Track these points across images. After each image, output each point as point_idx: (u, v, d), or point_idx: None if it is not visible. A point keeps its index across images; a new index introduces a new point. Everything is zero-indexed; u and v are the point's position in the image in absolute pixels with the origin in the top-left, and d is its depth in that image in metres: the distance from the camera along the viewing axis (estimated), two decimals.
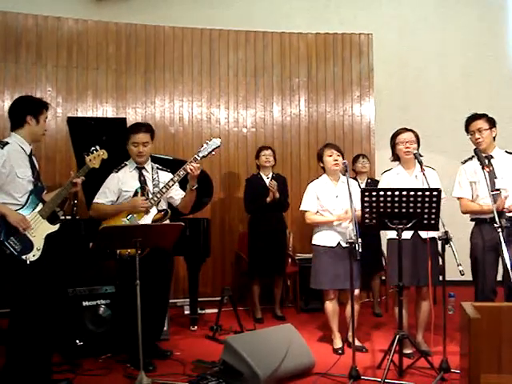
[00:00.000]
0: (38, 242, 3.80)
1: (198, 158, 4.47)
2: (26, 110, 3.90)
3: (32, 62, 6.68)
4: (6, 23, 6.58)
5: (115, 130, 5.65)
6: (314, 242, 4.96)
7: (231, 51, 7.37)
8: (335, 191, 4.90)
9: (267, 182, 6.11)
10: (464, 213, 4.73)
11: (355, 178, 6.31)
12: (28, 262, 3.71)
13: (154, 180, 4.60)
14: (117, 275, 4.61)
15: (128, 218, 4.45)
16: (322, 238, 4.88)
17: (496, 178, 4.43)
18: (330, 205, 4.86)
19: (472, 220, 4.72)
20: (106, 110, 6.95)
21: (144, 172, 4.62)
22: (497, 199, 4.30)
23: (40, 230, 3.83)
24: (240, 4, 7.95)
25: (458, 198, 4.71)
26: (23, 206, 3.79)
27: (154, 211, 4.51)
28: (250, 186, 6.27)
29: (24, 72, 6.64)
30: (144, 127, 4.64)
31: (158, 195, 4.49)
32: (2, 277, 3.74)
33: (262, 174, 6.24)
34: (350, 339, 4.37)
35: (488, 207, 4.40)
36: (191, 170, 4.39)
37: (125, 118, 6.22)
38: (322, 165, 5.04)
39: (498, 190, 4.36)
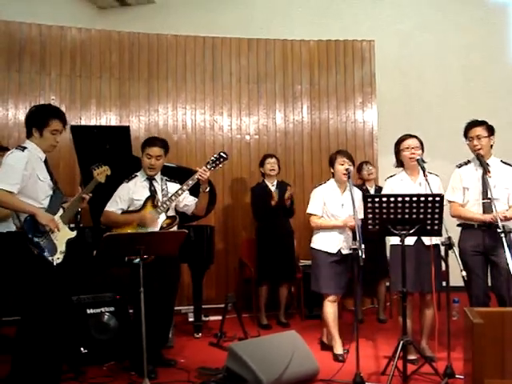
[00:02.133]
0: (61, 246, 3.83)
1: (206, 169, 4.64)
2: (31, 121, 3.88)
3: (36, 71, 6.71)
4: (10, 32, 6.63)
5: (118, 138, 5.69)
6: (313, 245, 4.97)
7: (234, 58, 7.40)
8: (341, 200, 4.89)
9: (272, 189, 6.19)
10: (453, 216, 4.74)
11: (363, 185, 6.32)
12: (54, 264, 3.73)
13: (163, 190, 4.73)
14: (129, 280, 4.60)
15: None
16: (323, 243, 4.88)
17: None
18: (334, 211, 4.87)
19: (459, 225, 4.73)
20: (109, 119, 6.98)
21: (154, 183, 4.75)
22: (487, 208, 4.37)
23: (62, 235, 3.86)
24: (242, 11, 7.99)
25: (450, 202, 4.71)
26: (47, 210, 3.79)
27: (163, 217, 4.63)
28: (256, 195, 6.30)
29: (28, 81, 6.68)
30: (160, 142, 4.82)
31: (168, 202, 4.63)
32: (25, 278, 3.69)
33: (266, 181, 6.28)
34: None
35: (478, 216, 4.45)
36: (200, 175, 4.58)
37: (128, 126, 6.24)
38: (332, 170, 5.00)
39: (490, 199, 4.37)
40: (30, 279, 3.69)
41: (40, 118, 3.86)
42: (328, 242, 4.86)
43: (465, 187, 4.66)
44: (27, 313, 3.75)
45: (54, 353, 3.77)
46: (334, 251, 4.80)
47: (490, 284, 4.62)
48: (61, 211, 3.93)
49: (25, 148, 3.78)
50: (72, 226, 5.20)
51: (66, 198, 4.08)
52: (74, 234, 3.99)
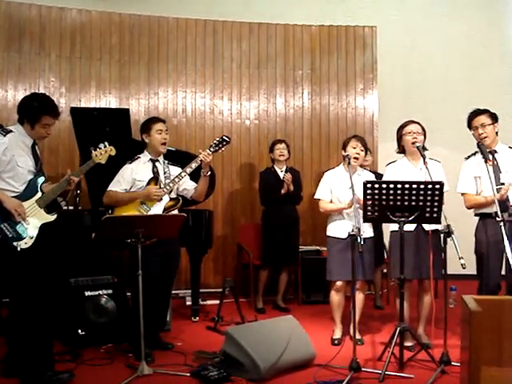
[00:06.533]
0: (32, 231, 3.78)
1: (210, 152, 4.67)
2: (23, 113, 3.87)
3: (35, 52, 6.69)
4: (10, 13, 6.58)
5: (118, 121, 5.67)
6: (327, 233, 4.99)
7: (235, 43, 7.36)
8: (349, 182, 4.86)
9: (281, 175, 6.18)
10: (469, 208, 4.71)
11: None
12: (19, 249, 3.70)
13: (165, 173, 4.74)
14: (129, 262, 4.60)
15: (140, 205, 4.57)
16: (335, 230, 4.90)
17: (500, 172, 4.42)
18: (342, 196, 4.84)
19: (476, 215, 4.70)
20: (109, 101, 6.95)
21: (157, 164, 4.75)
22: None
23: (35, 219, 3.82)
24: None
25: (462, 194, 4.69)
26: (21, 194, 3.78)
27: (166, 199, 4.65)
28: (264, 179, 6.30)
29: (27, 62, 6.65)
30: (161, 119, 4.89)
31: (171, 184, 4.65)
32: None
33: (276, 167, 6.27)
34: (351, 331, 4.37)
35: (492, 198, 4.41)
36: (204, 157, 4.62)
37: (128, 109, 6.23)
38: (344, 153, 4.94)
39: (503, 184, 4.36)
40: None
41: (32, 113, 3.83)
42: (339, 228, 4.85)
43: (476, 176, 4.61)
44: (10, 297, 3.81)
45: (40, 333, 3.76)
46: (344, 236, 4.77)
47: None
48: (39, 194, 3.87)
49: (9, 132, 3.78)
50: (65, 207, 5.18)
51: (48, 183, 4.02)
52: (51, 217, 3.91)
